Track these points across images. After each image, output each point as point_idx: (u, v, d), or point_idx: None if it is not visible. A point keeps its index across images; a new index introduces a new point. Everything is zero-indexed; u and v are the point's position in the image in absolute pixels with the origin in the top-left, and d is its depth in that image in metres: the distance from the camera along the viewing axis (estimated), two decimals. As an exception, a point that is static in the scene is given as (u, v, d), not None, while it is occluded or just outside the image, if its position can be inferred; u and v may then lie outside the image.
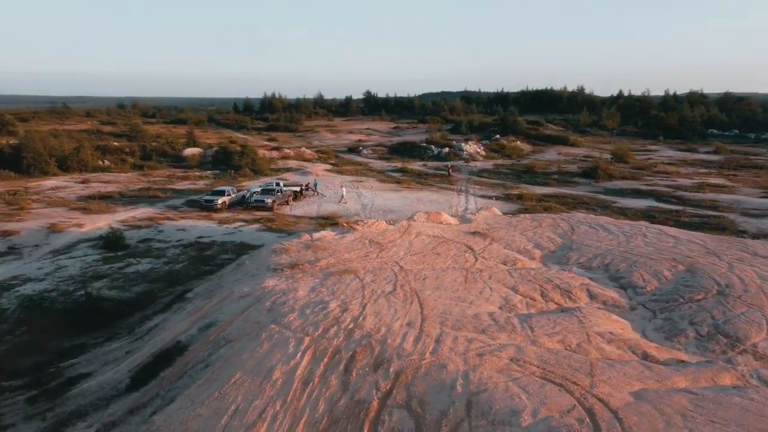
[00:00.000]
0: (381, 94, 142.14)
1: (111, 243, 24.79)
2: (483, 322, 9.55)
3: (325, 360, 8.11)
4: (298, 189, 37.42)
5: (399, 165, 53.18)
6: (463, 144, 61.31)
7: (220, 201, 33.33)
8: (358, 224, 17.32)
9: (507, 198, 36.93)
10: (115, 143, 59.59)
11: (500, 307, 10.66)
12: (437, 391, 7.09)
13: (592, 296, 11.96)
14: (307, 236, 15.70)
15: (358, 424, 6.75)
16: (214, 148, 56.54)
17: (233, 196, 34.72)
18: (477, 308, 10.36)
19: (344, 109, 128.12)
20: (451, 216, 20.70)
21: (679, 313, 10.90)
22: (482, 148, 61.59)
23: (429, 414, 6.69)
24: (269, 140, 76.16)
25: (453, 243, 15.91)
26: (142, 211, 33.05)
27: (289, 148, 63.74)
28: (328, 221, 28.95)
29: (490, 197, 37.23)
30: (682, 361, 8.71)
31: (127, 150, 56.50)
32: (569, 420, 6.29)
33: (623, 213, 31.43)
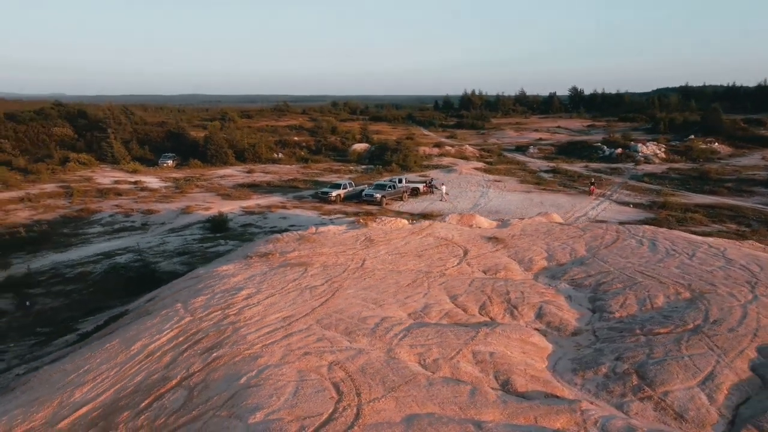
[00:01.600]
0: (611, 91, 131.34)
1: (215, 225, 28.26)
2: (363, 325, 9.35)
3: (180, 339, 8.83)
4: (419, 186, 38.15)
5: (554, 165, 50.91)
6: (640, 145, 56.27)
7: (334, 194, 35.77)
8: (375, 221, 17.53)
9: (650, 206, 33.26)
10: (295, 138, 66.14)
11: (410, 314, 10.22)
12: (227, 380, 7.36)
13: (540, 315, 10.74)
14: (312, 228, 16.44)
15: (146, 396, 7.35)
16: (375, 145, 59.36)
17: (349, 189, 36.91)
18: (380, 311, 10.10)
19: (546, 106, 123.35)
20: (516, 220, 19.66)
21: (617, 345, 9.30)
22: (663, 149, 55.88)
23: (197, 398, 7.02)
24: (449, 137, 77.62)
25: (453, 246, 15.29)
26: (270, 200, 36.67)
27: (451, 146, 64.43)
28: (425, 217, 29.08)
29: (627, 204, 33.97)
30: (554, 396, 7.61)
31: (303, 144, 62.45)
32: (294, 426, 6.14)
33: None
